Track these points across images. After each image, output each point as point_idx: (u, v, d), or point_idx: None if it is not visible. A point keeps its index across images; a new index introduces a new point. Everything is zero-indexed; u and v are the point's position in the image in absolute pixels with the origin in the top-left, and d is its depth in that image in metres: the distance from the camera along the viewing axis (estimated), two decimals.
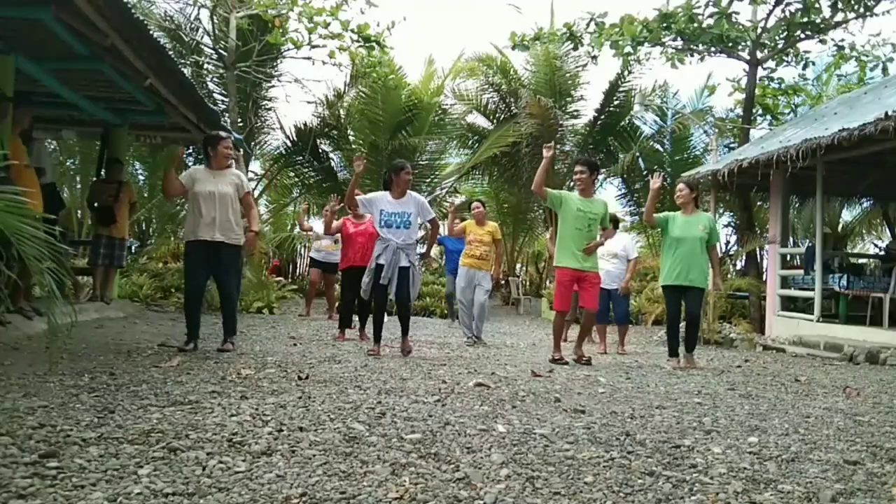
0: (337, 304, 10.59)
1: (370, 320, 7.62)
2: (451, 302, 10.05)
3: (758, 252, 11.95)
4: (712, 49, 12.08)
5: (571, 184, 16.35)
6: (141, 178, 16.07)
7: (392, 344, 6.80)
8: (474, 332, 7.73)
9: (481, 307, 7.76)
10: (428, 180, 16.93)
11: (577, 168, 6.22)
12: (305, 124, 16.10)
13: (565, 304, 6.21)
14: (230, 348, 5.40)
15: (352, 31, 12.38)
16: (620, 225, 9.97)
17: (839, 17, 11.60)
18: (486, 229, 7.86)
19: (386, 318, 6.43)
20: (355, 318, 7.72)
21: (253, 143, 15.41)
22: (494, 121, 16.99)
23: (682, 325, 6.47)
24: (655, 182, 6.21)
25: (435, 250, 13.84)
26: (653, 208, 6.32)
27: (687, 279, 6.10)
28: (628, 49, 12.54)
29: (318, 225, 10.56)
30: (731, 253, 14.65)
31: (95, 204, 8.54)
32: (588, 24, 12.86)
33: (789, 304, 10.35)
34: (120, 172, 8.71)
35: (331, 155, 17.08)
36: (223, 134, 5.72)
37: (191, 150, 15.01)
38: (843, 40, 12.98)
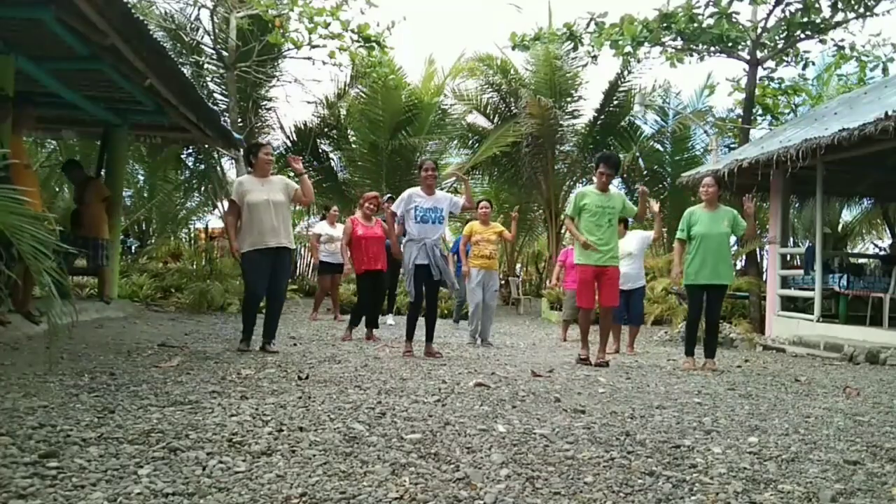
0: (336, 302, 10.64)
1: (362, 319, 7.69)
2: (461, 307, 10.06)
3: (758, 252, 11.95)
4: (712, 49, 12.09)
5: (573, 181, 16.54)
6: (140, 178, 16.06)
7: (392, 344, 6.80)
8: (482, 334, 7.69)
9: (490, 310, 7.76)
10: None
11: (605, 170, 6.15)
12: (305, 124, 16.11)
13: (589, 300, 6.18)
14: (276, 350, 5.52)
15: (352, 31, 12.38)
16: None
17: (839, 17, 11.61)
18: (491, 229, 7.89)
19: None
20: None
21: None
22: (497, 120, 16.98)
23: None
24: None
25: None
26: (679, 261, 6.42)
27: (712, 276, 6.07)
28: (628, 49, 12.55)
29: (320, 226, 10.54)
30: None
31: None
32: (588, 24, 12.88)
33: (789, 304, 10.35)
34: (79, 174, 8.50)
35: (331, 155, 17.08)
36: (262, 141, 5.79)
37: (190, 151, 15.05)
38: (843, 40, 13.00)
